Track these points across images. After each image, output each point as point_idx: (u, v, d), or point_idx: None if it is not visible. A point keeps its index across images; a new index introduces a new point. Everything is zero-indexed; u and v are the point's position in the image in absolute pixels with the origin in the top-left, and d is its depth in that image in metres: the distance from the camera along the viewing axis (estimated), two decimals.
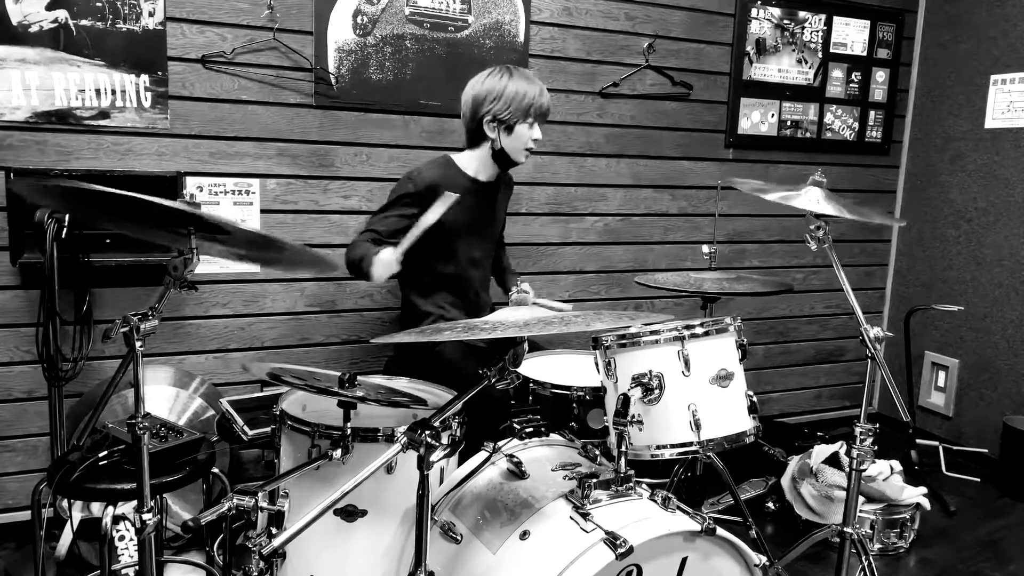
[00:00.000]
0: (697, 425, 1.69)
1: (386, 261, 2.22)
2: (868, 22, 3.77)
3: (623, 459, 1.63)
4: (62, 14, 2.44)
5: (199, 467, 1.93)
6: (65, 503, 2.20)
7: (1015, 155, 3.50)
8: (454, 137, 2.47)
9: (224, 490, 2.25)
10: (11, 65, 2.42)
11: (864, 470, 1.89)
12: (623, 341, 1.74)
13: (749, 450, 2.42)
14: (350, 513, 1.75)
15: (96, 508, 2.37)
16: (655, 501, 1.61)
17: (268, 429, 2.03)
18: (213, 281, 2.76)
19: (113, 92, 2.54)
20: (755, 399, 1.78)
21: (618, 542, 1.41)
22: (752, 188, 2.10)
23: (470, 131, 2.43)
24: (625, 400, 1.65)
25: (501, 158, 2.41)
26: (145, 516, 1.56)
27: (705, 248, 2.55)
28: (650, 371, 1.69)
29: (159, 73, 2.58)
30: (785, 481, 2.93)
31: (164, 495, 2.33)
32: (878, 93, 3.87)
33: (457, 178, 2.40)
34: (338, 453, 1.71)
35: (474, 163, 2.44)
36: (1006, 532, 2.98)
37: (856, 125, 3.84)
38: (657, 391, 1.69)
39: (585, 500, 1.56)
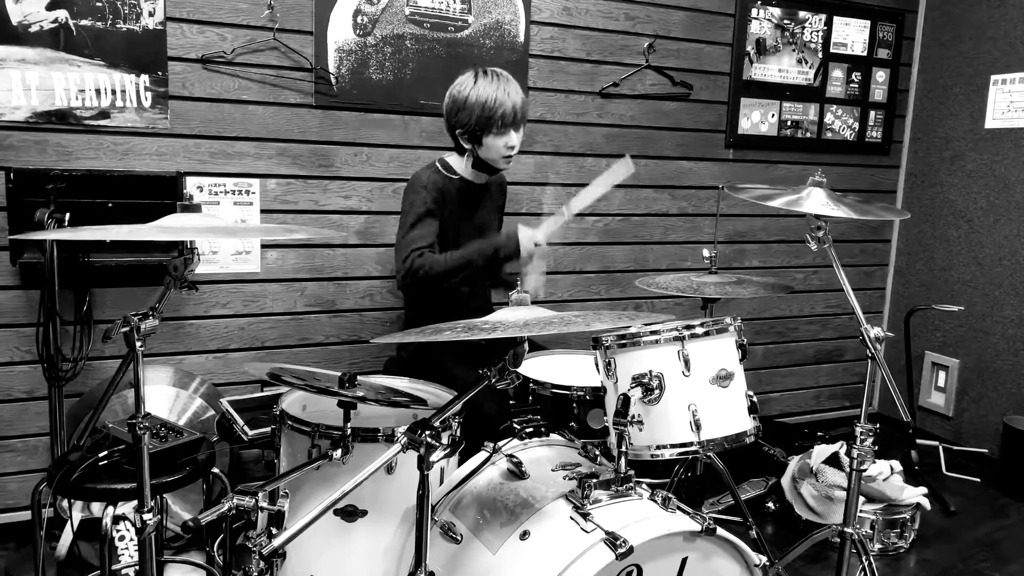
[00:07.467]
0: (697, 425, 1.69)
1: (528, 235, 2.28)
2: (868, 22, 3.77)
3: (623, 459, 1.63)
4: (62, 14, 2.44)
5: (199, 467, 1.93)
6: (65, 503, 2.20)
7: (1015, 155, 3.50)
8: None
9: (224, 490, 2.25)
10: (11, 65, 2.42)
11: (864, 470, 1.88)
12: (623, 341, 1.74)
13: (749, 450, 2.41)
14: (350, 513, 1.76)
15: (96, 508, 2.37)
16: (655, 501, 1.61)
17: (268, 429, 2.03)
18: (213, 281, 2.76)
19: (113, 92, 2.54)
20: (755, 399, 1.78)
21: (618, 542, 1.41)
22: (756, 196, 2.06)
23: (452, 139, 2.43)
24: (625, 400, 1.65)
25: (482, 165, 2.41)
26: (145, 516, 1.56)
27: (705, 251, 2.54)
28: (650, 371, 1.70)
29: (159, 73, 2.58)
30: (785, 481, 2.93)
31: (164, 495, 2.33)
32: (878, 93, 3.87)
33: (452, 181, 2.40)
34: (338, 453, 1.71)
35: (463, 165, 2.44)
36: (1006, 532, 2.98)
37: (856, 125, 3.83)
38: (657, 391, 1.69)
39: (585, 500, 1.56)
